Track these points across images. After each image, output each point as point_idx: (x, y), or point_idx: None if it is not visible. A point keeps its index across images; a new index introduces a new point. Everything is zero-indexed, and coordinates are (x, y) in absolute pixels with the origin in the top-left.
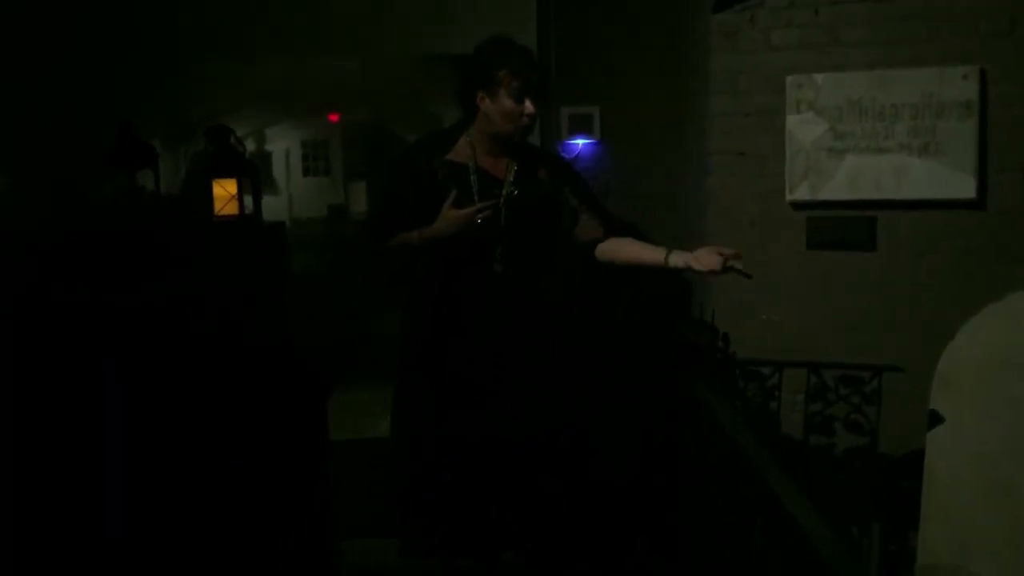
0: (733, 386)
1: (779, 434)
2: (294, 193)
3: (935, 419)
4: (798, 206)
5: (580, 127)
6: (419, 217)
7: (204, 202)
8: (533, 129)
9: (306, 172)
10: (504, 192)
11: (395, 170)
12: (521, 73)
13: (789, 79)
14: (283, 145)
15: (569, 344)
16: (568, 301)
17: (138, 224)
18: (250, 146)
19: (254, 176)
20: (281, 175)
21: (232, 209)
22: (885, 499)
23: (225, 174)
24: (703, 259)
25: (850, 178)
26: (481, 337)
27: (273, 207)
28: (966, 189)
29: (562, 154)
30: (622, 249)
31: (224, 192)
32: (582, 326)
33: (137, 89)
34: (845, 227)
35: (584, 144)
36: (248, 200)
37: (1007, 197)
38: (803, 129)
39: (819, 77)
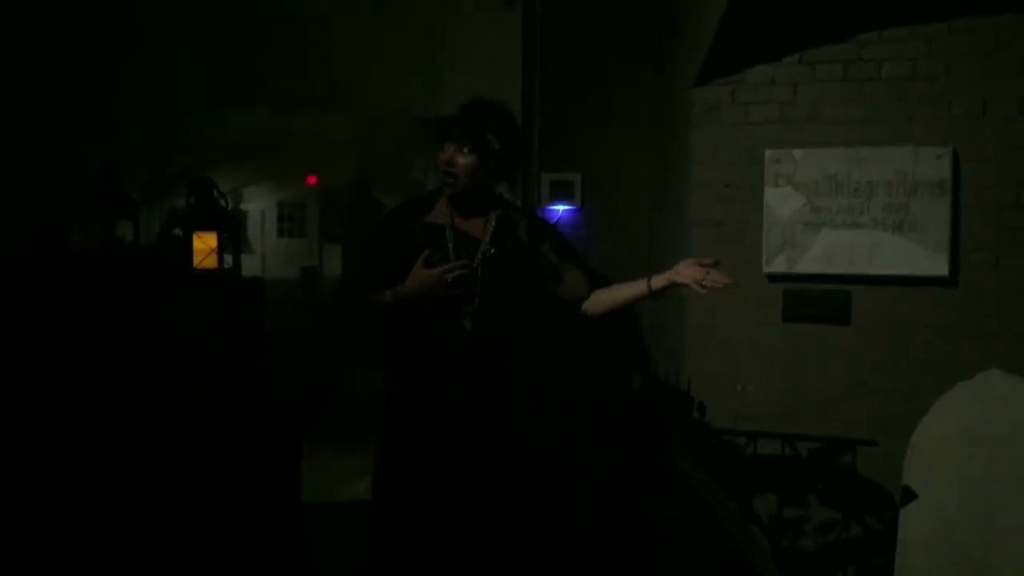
0: (710, 455)
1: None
2: (268, 253)
3: (907, 494)
4: (775, 278)
5: (561, 193)
6: (395, 279)
7: (183, 255)
8: (462, 188)
9: (281, 233)
10: (480, 250)
11: (374, 232)
12: (448, 123)
13: (768, 153)
14: (259, 205)
15: (537, 405)
16: (539, 360)
17: (114, 279)
18: (227, 205)
19: (234, 231)
20: (256, 235)
21: (211, 262)
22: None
23: (206, 227)
24: (684, 272)
25: (826, 252)
26: (450, 398)
27: (247, 266)
28: (939, 267)
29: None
30: (606, 296)
31: (204, 245)
32: (551, 386)
33: (119, 140)
34: (820, 300)
35: (565, 210)
36: (228, 255)
37: (978, 276)
38: (781, 202)
39: (797, 152)
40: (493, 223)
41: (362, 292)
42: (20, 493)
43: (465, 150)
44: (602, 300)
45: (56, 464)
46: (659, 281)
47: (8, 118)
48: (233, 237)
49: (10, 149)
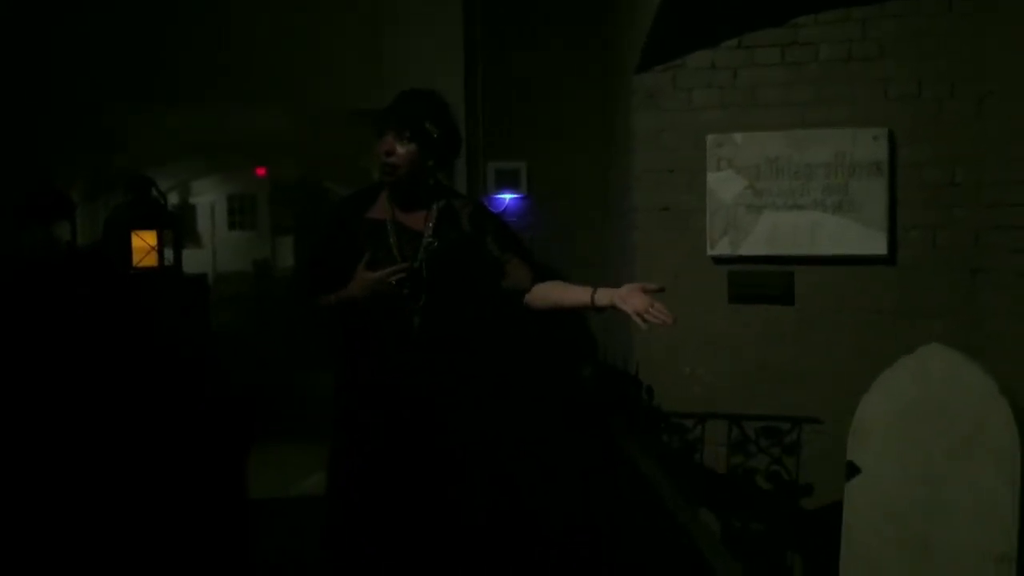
0: (657, 438)
1: (701, 487)
2: (219, 247)
3: (852, 471)
4: (719, 261)
5: (507, 182)
6: (342, 276)
7: (123, 254)
8: (403, 175)
9: (232, 226)
10: (423, 245)
11: (319, 229)
12: (385, 112)
13: (709, 138)
14: (209, 198)
15: (489, 397)
16: (489, 352)
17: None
18: (175, 199)
19: (175, 228)
20: (206, 228)
21: (151, 261)
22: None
23: (145, 225)
24: (629, 300)
25: (768, 234)
26: (401, 394)
27: (197, 260)
28: (877, 246)
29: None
30: (550, 293)
31: (143, 244)
32: (502, 378)
33: (56, 138)
34: (764, 282)
35: (511, 199)
36: (169, 252)
37: (916, 254)
38: (723, 186)
39: (738, 136)
40: (435, 215)
41: (309, 292)
42: None
43: (404, 138)
44: (546, 296)
45: None
46: (603, 299)
47: None
48: (174, 234)
49: None
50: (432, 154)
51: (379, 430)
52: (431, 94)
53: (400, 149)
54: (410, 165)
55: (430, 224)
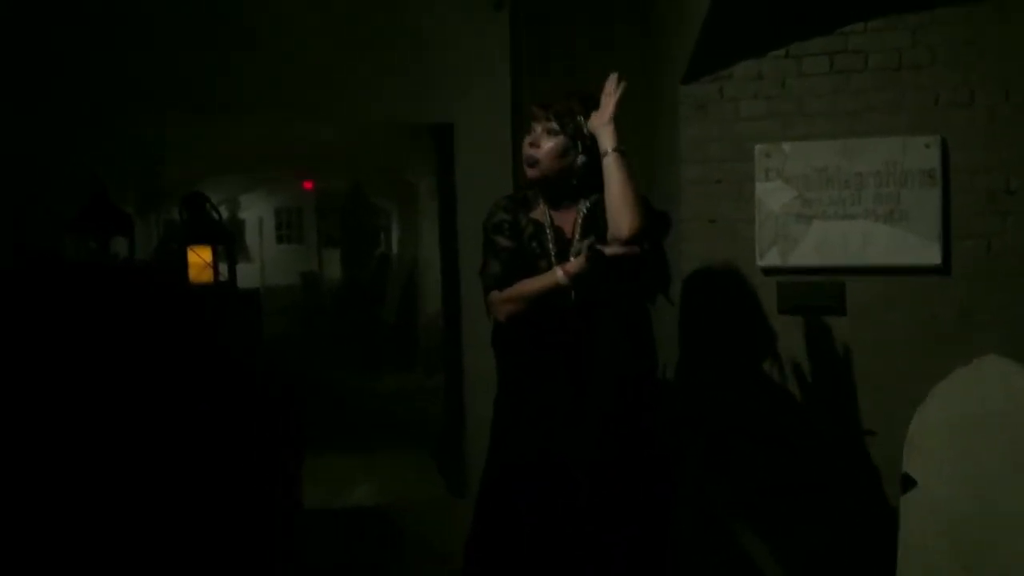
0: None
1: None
2: (267, 260)
3: (907, 482)
4: (768, 271)
5: None
6: (519, 267)
7: (178, 269)
8: (545, 170)
9: (280, 239)
10: (572, 251)
11: (493, 224)
12: (534, 105)
13: (757, 148)
14: (257, 212)
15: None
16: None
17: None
18: (224, 213)
19: (229, 243)
20: (254, 242)
21: (207, 276)
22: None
23: (200, 241)
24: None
25: (818, 244)
26: (558, 395)
27: (246, 274)
28: (931, 255)
29: None
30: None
31: (199, 259)
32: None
33: (110, 153)
34: (815, 292)
35: None
36: (223, 268)
37: (971, 263)
38: (772, 196)
39: (786, 146)
40: (582, 216)
41: (503, 280)
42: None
43: (551, 131)
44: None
45: (48, 468)
46: (574, 263)
47: None
48: (228, 249)
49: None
50: (581, 151)
51: (539, 416)
52: (585, 93)
53: (546, 142)
54: (553, 160)
55: (578, 227)
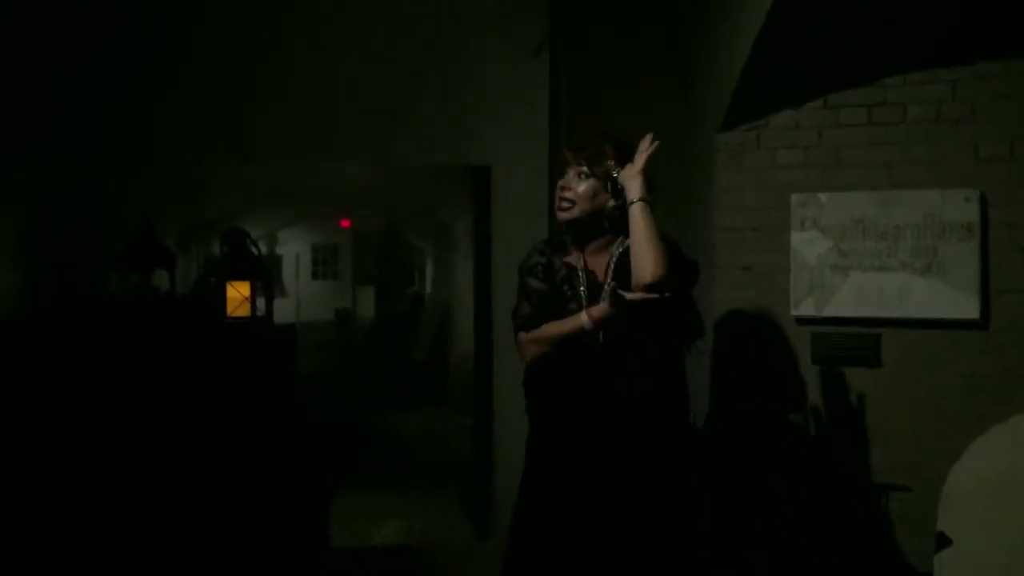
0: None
1: None
2: (303, 296)
3: (942, 541)
4: (803, 321)
5: None
6: (549, 309)
7: (217, 303)
8: (578, 212)
9: (315, 276)
10: (603, 295)
11: (529, 267)
12: (566, 148)
13: (794, 197)
14: (294, 248)
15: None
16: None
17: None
18: (262, 249)
19: (267, 279)
20: (291, 278)
21: (244, 311)
22: None
23: (239, 276)
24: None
25: (854, 295)
26: (587, 419)
27: (281, 309)
28: (970, 309)
29: None
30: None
31: (237, 294)
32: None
33: (153, 189)
34: (850, 343)
35: None
36: (261, 302)
37: (1010, 318)
38: (808, 246)
39: (823, 196)
40: (615, 260)
41: (533, 322)
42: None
43: (582, 175)
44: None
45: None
46: (599, 308)
47: (46, 172)
48: (266, 285)
49: (49, 201)
50: (612, 194)
51: (562, 454)
52: (618, 138)
53: (579, 186)
54: (587, 202)
55: (610, 271)
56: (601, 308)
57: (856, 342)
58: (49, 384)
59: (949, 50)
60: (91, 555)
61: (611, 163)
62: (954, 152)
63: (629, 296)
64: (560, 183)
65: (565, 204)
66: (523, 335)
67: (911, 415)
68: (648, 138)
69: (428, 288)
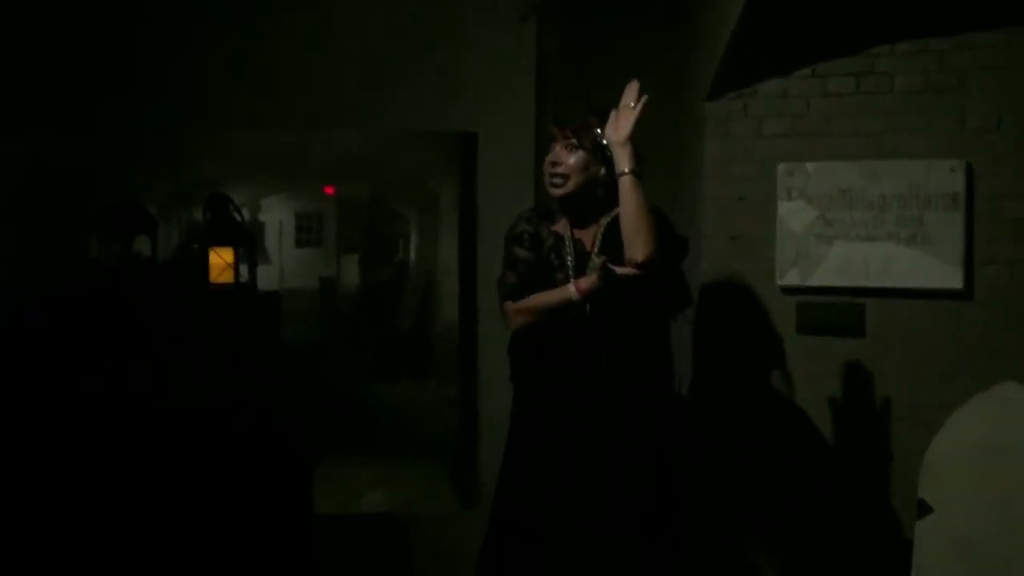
0: None
1: None
2: (286, 263)
3: (923, 509)
4: (788, 291)
5: None
6: (536, 278)
7: (200, 269)
8: (572, 186)
9: (299, 243)
10: (589, 265)
11: (514, 236)
12: (552, 123)
13: (780, 167)
14: (277, 216)
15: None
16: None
17: (135, 289)
18: (245, 216)
19: (250, 245)
20: (274, 245)
21: (228, 277)
22: None
23: (222, 242)
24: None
25: (839, 265)
26: (572, 392)
27: (265, 276)
28: (953, 279)
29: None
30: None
31: (220, 260)
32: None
33: (135, 156)
34: (834, 313)
35: None
36: (244, 269)
37: (993, 289)
38: (794, 215)
39: (810, 166)
40: (603, 230)
41: (519, 292)
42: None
43: (572, 147)
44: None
45: (65, 464)
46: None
47: (29, 137)
48: (249, 251)
49: (30, 165)
50: (602, 163)
51: (555, 427)
52: (600, 108)
53: (569, 159)
54: (579, 175)
55: (597, 241)
56: (590, 280)
57: (841, 312)
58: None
59: (937, 20)
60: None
61: (598, 132)
62: (941, 123)
63: (620, 271)
64: (549, 159)
65: (558, 180)
66: (509, 304)
67: (895, 385)
68: (633, 87)
69: (413, 256)
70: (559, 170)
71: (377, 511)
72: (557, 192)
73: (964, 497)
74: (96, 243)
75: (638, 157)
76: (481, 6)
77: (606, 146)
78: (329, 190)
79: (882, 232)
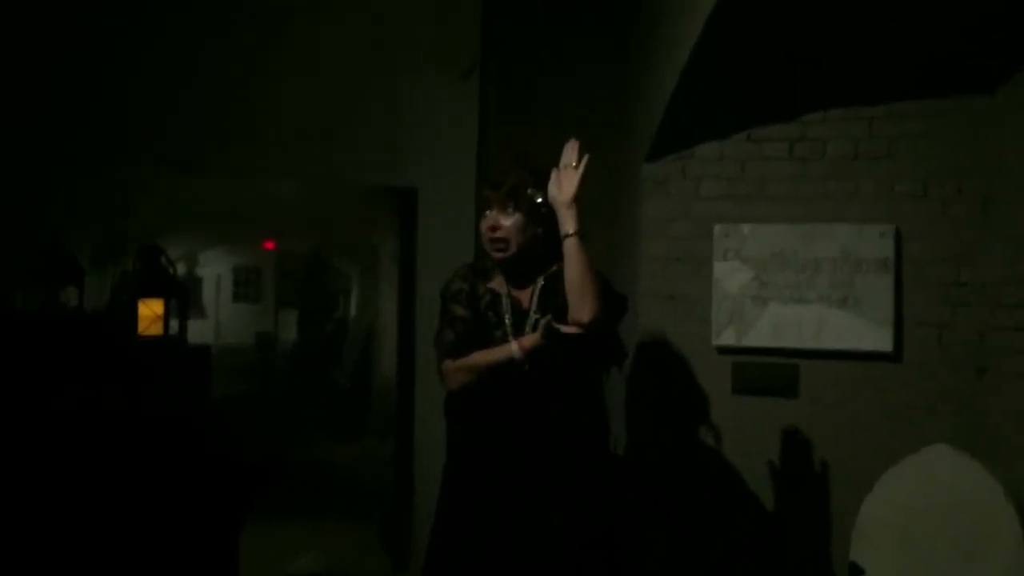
0: None
1: None
2: (223, 318)
3: (855, 572)
4: (724, 351)
5: None
6: (473, 337)
7: (129, 321)
8: (514, 249)
9: (236, 298)
10: (528, 323)
11: (451, 293)
12: (485, 187)
13: (717, 228)
14: (215, 270)
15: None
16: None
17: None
18: (181, 269)
19: (182, 297)
20: (211, 300)
21: (157, 329)
22: None
23: (152, 294)
24: (559, 192)
25: (773, 326)
26: (508, 452)
27: (200, 331)
28: (883, 342)
29: None
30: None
31: (150, 312)
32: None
33: (66, 204)
34: (769, 374)
35: None
36: (174, 322)
37: (922, 351)
38: (729, 276)
39: (745, 227)
40: (539, 289)
41: (457, 351)
42: None
43: (508, 210)
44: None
45: None
46: (530, 338)
47: None
48: (181, 304)
49: None
50: (539, 223)
51: (499, 483)
52: (532, 163)
53: (505, 221)
54: (519, 236)
55: (535, 298)
56: (532, 339)
57: (775, 372)
58: None
59: (867, 89)
60: None
61: (532, 191)
62: (871, 188)
63: (564, 330)
64: (486, 223)
65: (500, 245)
66: (448, 363)
67: (828, 445)
68: (574, 146)
69: (353, 312)
70: (499, 234)
71: (307, 573)
72: (500, 256)
73: (895, 559)
74: (20, 292)
75: (581, 218)
76: (423, 62)
77: (540, 204)
78: (269, 245)
79: (814, 295)
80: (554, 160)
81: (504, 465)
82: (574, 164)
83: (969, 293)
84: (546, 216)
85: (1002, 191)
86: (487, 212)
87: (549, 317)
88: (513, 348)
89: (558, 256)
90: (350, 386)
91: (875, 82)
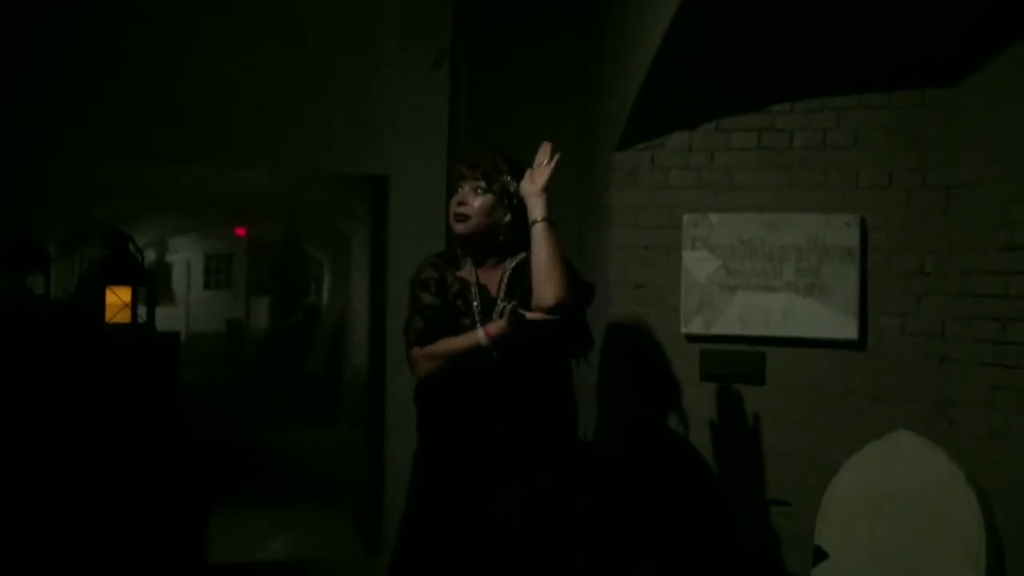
0: None
1: None
2: (193, 305)
3: (819, 555)
4: (692, 339)
5: None
6: (442, 324)
7: (96, 308)
8: (474, 226)
9: (207, 285)
10: (496, 310)
11: (420, 281)
12: (461, 164)
13: (685, 217)
14: (185, 256)
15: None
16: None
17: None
18: (151, 255)
19: (150, 285)
20: (181, 286)
21: (124, 317)
22: None
23: (120, 281)
24: (530, 188)
25: (741, 314)
26: (476, 439)
27: (170, 318)
28: (848, 330)
29: None
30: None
31: (117, 299)
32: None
33: (33, 190)
34: (736, 361)
35: None
36: (142, 309)
37: (886, 340)
38: (698, 265)
39: (713, 216)
40: (507, 275)
41: (427, 337)
42: None
43: (479, 190)
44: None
45: None
46: (496, 325)
47: None
48: (149, 291)
49: None
50: (508, 209)
51: (468, 469)
52: (511, 157)
53: (475, 202)
54: (483, 217)
55: (503, 286)
56: (498, 326)
57: (742, 360)
58: None
59: (835, 80)
60: None
61: (507, 178)
62: (837, 178)
63: (529, 316)
64: (456, 198)
65: (461, 218)
66: (417, 350)
67: (793, 432)
68: (546, 147)
69: (324, 299)
70: (463, 210)
71: (279, 557)
72: (460, 229)
73: (858, 542)
74: None
75: (550, 205)
76: (394, 50)
77: (514, 194)
78: (240, 231)
79: (781, 283)
80: (523, 149)
81: (473, 451)
82: (546, 162)
83: (932, 283)
84: (517, 207)
85: (965, 182)
86: (459, 187)
87: (514, 303)
88: (480, 335)
89: (527, 246)
90: (321, 373)
91: (842, 74)
